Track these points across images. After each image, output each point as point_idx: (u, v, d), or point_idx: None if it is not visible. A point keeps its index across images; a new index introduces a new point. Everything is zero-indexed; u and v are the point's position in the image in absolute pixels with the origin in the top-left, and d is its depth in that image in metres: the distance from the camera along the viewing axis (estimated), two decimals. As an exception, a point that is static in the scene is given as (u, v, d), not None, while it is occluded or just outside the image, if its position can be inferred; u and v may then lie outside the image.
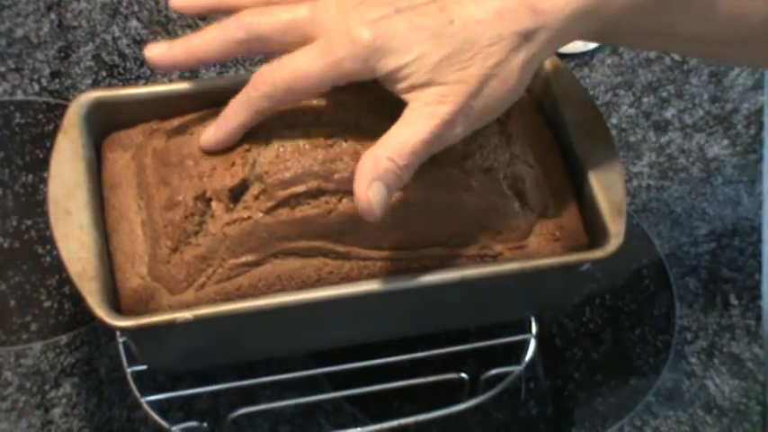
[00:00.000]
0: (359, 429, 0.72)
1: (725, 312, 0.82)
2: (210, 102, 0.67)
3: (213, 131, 0.63)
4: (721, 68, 0.96)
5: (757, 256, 0.85)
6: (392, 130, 0.58)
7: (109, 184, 0.67)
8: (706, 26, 0.62)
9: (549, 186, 0.69)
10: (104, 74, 0.91)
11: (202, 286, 0.63)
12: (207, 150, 0.63)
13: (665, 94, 0.94)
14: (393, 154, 0.58)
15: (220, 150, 0.63)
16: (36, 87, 0.90)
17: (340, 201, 0.62)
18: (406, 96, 0.58)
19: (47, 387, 0.75)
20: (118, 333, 0.72)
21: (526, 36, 0.57)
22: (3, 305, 0.78)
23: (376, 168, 0.57)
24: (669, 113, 0.93)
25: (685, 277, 0.84)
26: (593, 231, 0.68)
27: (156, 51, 0.63)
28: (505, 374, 0.74)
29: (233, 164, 0.63)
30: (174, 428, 0.71)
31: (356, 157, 0.62)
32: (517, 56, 0.58)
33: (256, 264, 0.63)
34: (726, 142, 0.91)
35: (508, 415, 0.76)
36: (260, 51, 0.62)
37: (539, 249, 0.67)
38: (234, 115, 0.62)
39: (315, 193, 0.62)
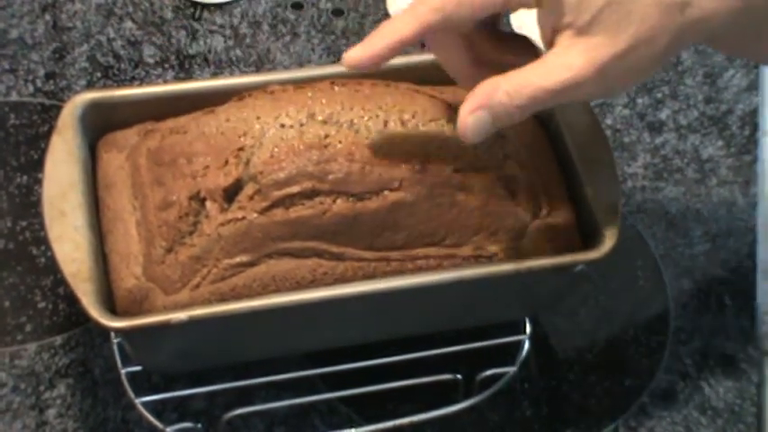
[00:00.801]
0: (353, 430, 0.72)
1: (719, 313, 0.82)
2: (204, 102, 0.68)
3: (366, 47, 0.59)
4: (716, 69, 0.96)
5: (751, 256, 0.85)
6: (526, 67, 0.57)
7: (103, 184, 0.67)
8: None
9: (544, 187, 0.69)
10: (99, 75, 0.91)
11: (197, 286, 0.63)
12: (352, 67, 0.59)
13: (659, 95, 0.94)
14: (512, 90, 0.57)
15: (213, 147, 0.63)
16: (31, 88, 0.90)
17: (334, 201, 0.62)
18: (557, 36, 0.57)
19: (41, 388, 0.74)
20: (112, 334, 0.72)
21: (681, 7, 0.56)
22: (-3, 306, 0.78)
23: (489, 96, 0.57)
24: (664, 114, 0.93)
25: (680, 278, 0.84)
26: (588, 232, 0.68)
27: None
28: (500, 375, 0.74)
29: (226, 162, 0.63)
30: (168, 429, 0.71)
31: (351, 157, 0.62)
32: (669, 25, 0.56)
33: (251, 264, 0.63)
34: (720, 143, 0.92)
35: (503, 416, 0.76)
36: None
37: (533, 250, 0.67)
38: (395, 31, 0.58)
39: (309, 194, 0.62)
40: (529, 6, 0.58)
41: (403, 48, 0.58)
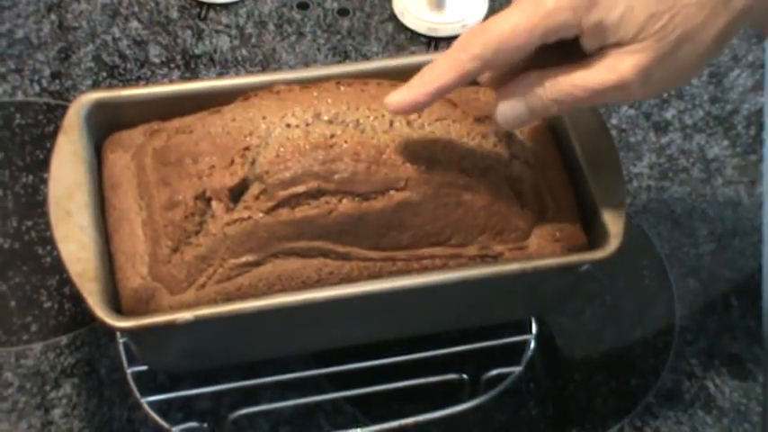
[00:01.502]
0: (359, 430, 0.72)
1: (725, 313, 0.82)
2: (210, 102, 0.68)
3: (407, 92, 0.60)
4: (721, 69, 0.96)
5: (757, 256, 0.85)
6: (570, 65, 0.58)
7: (109, 184, 0.67)
8: None
9: (549, 187, 0.69)
10: (105, 75, 0.91)
11: (203, 286, 0.63)
12: (395, 111, 0.61)
13: (665, 95, 0.94)
14: (551, 83, 0.57)
15: (218, 147, 0.63)
16: (36, 88, 0.90)
17: (340, 201, 0.62)
18: (603, 51, 0.57)
19: (47, 388, 0.75)
20: (118, 334, 0.72)
21: (725, 2, 0.56)
22: (3, 306, 0.78)
23: (527, 86, 0.58)
24: (669, 114, 0.93)
25: (685, 278, 0.84)
26: (593, 232, 0.68)
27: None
28: (506, 375, 0.74)
29: (232, 162, 0.63)
30: (174, 429, 0.71)
31: (356, 157, 0.62)
32: (715, 21, 0.56)
33: (257, 264, 0.63)
34: (726, 143, 0.91)
35: (508, 415, 0.76)
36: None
37: (539, 250, 0.67)
38: (434, 78, 0.59)
39: (315, 194, 0.62)
40: (571, 33, 0.58)
41: (443, 95, 0.60)
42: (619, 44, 0.57)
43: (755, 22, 0.60)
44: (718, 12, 0.56)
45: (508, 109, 0.60)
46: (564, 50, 0.58)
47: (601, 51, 0.57)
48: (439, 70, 0.59)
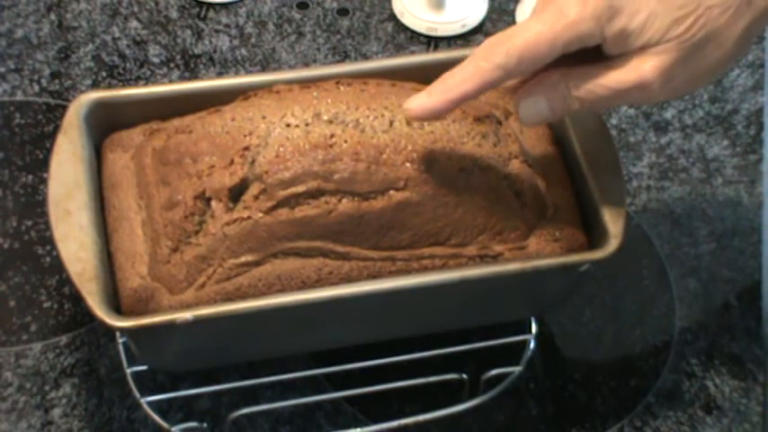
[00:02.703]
0: (359, 430, 0.72)
1: (725, 313, 0.82)
2: (210, 102, 0.68)
3: (427, 98, 0.59)
4: (721, 69, 0.96)
5: (757, 256, 0.85)
6: (590, 67, 0.58)
7: (109, 184, 0.67)
8: None
9: (549, 187, 0.69)
10: (104, 74, 0.91)
11: (202, 286, 0.63)
12: (414, 117, 0.60)
13: (664, 95, 0.94)
14: (572, 81, 0.58)
15: (218, 146, 0.63)
16: (36, 88, 0.90)
17: (340, 201, 0.62)
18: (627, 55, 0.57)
19: (47, 388, 0.74)
20: (118, 333, 0.72)
21: (748, 2, 0.56)
22: (3, 306, 0.78)
23: (548, 83, 0.58)
24: (669, 114, 0.93)
25: (685, 278, 0.84)
26: (593, 232, 0.68)
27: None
28: (505, 375, 0.74)
29: (232, 162, 0.63)
30: (173, 429, 0.71)
31: (356, 157, 0.62)
32: (738, 22, 0.56)
33: (256, 264, 0.63)
34: (726, 143, 0.91)
35: (508, 415, 0.76)
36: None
37: (538, 250, 0.67)
38: (456, 85, 0.58)
39: (315, 194, 0.62)
40: (593, 42, 0.57)
41: (463, 102, 0.59)
42: (642, 48, 0.57)
43: None
44: (741, 12, 0.56)
45: (530, 106, 0.60)
46: (585, 51, 0.58)
47: (624, 53, 0.57)
48: (461, 77, 0.58)
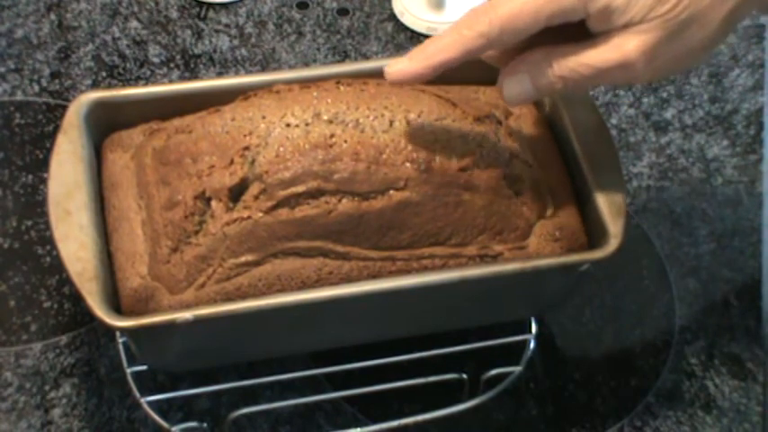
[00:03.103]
0: (359, 430, 0.72)
1: (725, 313, 0.82)
2: (210, 102, 0.68)
3: (408, 63, 0.59)
4: (721, 69, 0.96)
5: (757, 256, 0.85)
6: (576, 44, 0.58)
7: (109, 184, 0.67)
8: None
9: (549, 186, 0.69)
10: (104, 74, 0.91)
11: (202, 286, 0.63)
12: (394, 80, 0.60)
13: (664, 95, 0.94)
14: (556, 59, 0.58)
15: (218, 146, 0.63)
16: (36, 88, 0.90)
17: (340, 201, 0.62)
18: (610, 33, 0.57)
19: (47, 387, 0.74)
20: (118, 333, 0.72)
21: None
22: (3, 306, 0.78)
23: (532, 61, 0.58)
24: (669, 114, 0.93)
25: (685, 278, 0.84)
26: (593, 232, 0.68)
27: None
28: (505, 375, 0.74)
29: (232, 162, 0.63)
30: (173, 429, 0.71)
31: (356, 157, 0.62)
32: (723, 4, 0.56)
33: (256, 263, 0.63)
34: (726, 143, 0.91)
35: (508, 415, 0.76)
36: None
37: (538, 249, 0.67)
38: (438, 51, 0.59)
39: (315, 193, 0.62)
40: (576, 17, 0.57)
41: (444, 69, 0.59)
42: (626, 26, 0.57)
43: (763, 6, 0.60)
44: None
45: (514, 85, 0.60)
46: (569, 29, 0.58)
47: (607, 31, 0.57)
48: (443, 44, 0.58)
